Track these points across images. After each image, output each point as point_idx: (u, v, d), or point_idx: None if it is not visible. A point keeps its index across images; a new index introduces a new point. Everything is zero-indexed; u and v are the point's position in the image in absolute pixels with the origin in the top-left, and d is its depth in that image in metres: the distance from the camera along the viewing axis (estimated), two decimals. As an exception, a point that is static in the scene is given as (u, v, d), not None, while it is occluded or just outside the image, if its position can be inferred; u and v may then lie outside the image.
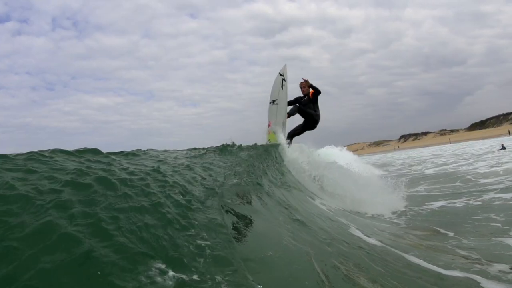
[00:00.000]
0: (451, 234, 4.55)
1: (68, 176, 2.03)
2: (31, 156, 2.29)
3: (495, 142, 29.75)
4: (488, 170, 10.35)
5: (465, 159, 16.87)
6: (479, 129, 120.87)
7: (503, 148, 18.57)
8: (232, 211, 2.67)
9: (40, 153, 2.38)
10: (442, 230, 4.73)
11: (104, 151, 2.85)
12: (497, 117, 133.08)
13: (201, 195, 2.59)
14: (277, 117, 8.57)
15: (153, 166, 2.78)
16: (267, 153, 6.52)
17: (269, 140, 8.37)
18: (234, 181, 3.51)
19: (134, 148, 3.51)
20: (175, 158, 3.81)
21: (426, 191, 8.44)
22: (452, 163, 15.75)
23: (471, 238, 4.26)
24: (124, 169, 2.50)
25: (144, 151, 3.62)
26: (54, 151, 2.54)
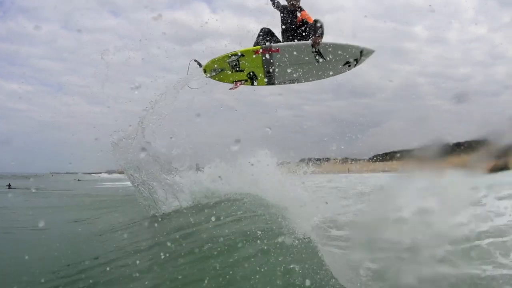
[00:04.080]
0: None
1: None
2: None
3: (396, 177, 30.77)
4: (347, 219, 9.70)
5: (345, 197, 16.51)
6: (382, 161, 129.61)
7: None
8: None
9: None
10: None
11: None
12: (401, 151, 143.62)
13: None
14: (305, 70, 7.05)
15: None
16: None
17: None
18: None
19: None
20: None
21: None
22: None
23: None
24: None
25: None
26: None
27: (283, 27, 7.20)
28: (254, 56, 6.85)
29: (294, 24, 7.05)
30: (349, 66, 7.08)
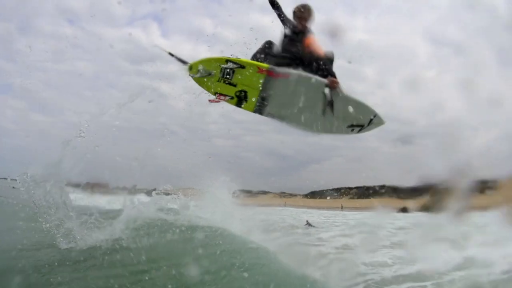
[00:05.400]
0: None
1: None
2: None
3: (326, 215, 31.19)
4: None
5: (274, 230, 16.40)
6: (318, 198, 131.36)
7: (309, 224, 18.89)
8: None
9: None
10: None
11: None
12: (338, 189, 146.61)
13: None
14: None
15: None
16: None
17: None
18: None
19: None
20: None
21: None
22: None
23: None
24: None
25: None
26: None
27: (285, 49, 6.09)
28: (256, 73, 5.70)
29: (298, 49, 5.97)
30: (352, 130, 6.05)
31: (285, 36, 6.07)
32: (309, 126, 6.15)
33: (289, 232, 15.96)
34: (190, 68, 5.85)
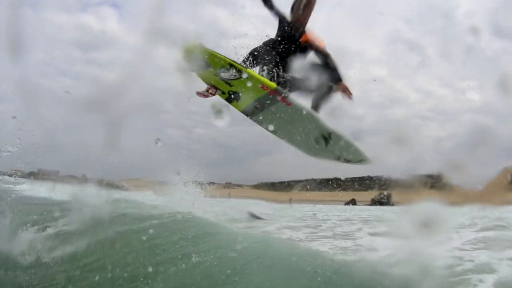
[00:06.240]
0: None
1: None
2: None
3: (274, 207, 31.35)
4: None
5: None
6: (268, 190, 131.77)
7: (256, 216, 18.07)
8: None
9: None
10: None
11: None
12: (289, 182, 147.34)
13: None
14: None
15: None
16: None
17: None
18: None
19: None
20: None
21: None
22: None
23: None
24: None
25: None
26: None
27: (280, 46, 5.40)
28: (258, 87, 4.97)
29: (295, 45, 5.40)
30: (339, 159, 5.84)
31: (283, 33, 5.46)
32: (295, 145, 5.98)
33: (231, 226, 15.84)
34: (188, 51, 4.76)
